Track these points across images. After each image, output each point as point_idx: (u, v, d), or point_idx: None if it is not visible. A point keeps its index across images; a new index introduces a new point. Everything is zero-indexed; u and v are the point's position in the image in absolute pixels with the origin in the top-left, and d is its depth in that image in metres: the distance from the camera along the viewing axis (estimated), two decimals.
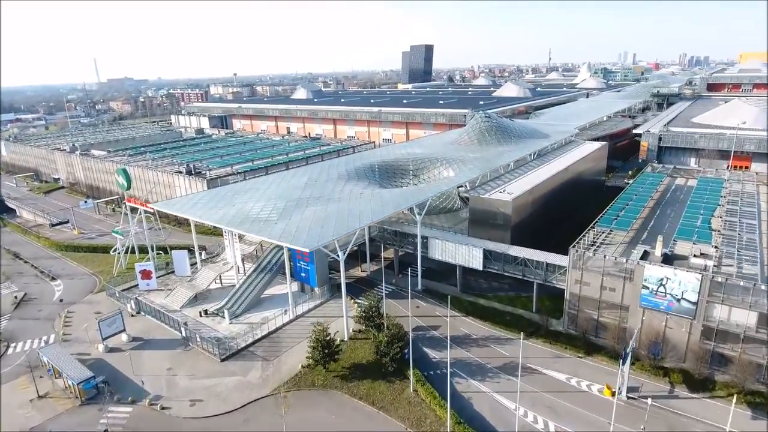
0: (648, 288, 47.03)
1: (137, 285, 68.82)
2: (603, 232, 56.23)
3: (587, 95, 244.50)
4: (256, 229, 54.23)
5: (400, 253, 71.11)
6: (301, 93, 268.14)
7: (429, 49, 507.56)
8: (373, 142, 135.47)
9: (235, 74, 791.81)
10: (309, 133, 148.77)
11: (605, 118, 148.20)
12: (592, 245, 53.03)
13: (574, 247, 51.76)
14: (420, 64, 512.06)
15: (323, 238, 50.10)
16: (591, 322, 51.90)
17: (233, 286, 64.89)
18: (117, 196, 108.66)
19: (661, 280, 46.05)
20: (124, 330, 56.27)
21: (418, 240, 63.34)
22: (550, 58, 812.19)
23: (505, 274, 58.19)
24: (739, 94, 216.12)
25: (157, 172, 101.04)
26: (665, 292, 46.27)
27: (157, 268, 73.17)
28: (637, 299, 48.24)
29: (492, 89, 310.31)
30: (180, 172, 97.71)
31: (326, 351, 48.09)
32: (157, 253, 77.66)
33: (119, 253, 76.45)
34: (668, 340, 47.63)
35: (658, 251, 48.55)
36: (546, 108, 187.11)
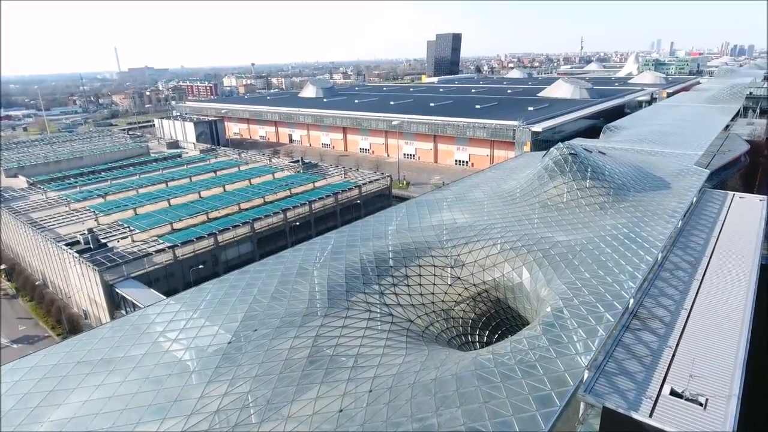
0: None
1: None
2: None
3: (652, 96, 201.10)
4: None
5: None
6: (309, 91, 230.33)
7: (456, 38, 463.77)
8: (389, 175, 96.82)
9: (252, 64, 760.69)
10: (302, 157, 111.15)
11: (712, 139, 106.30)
12: None
13: None
14: (446, 53, 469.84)
15: None
16: None
17: None
18: (4, 266, 73.08)
19: None
20: None
21: None
22: (582, 47, 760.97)
23: None
24: None
25: (47, 242, 64.40)
26: None
27: None
28: None
29: (531, 84, 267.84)
30: (76, 243, 61.08)
31: None
32: None
33: None
34: None
35: None
36: (613, 116, 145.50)
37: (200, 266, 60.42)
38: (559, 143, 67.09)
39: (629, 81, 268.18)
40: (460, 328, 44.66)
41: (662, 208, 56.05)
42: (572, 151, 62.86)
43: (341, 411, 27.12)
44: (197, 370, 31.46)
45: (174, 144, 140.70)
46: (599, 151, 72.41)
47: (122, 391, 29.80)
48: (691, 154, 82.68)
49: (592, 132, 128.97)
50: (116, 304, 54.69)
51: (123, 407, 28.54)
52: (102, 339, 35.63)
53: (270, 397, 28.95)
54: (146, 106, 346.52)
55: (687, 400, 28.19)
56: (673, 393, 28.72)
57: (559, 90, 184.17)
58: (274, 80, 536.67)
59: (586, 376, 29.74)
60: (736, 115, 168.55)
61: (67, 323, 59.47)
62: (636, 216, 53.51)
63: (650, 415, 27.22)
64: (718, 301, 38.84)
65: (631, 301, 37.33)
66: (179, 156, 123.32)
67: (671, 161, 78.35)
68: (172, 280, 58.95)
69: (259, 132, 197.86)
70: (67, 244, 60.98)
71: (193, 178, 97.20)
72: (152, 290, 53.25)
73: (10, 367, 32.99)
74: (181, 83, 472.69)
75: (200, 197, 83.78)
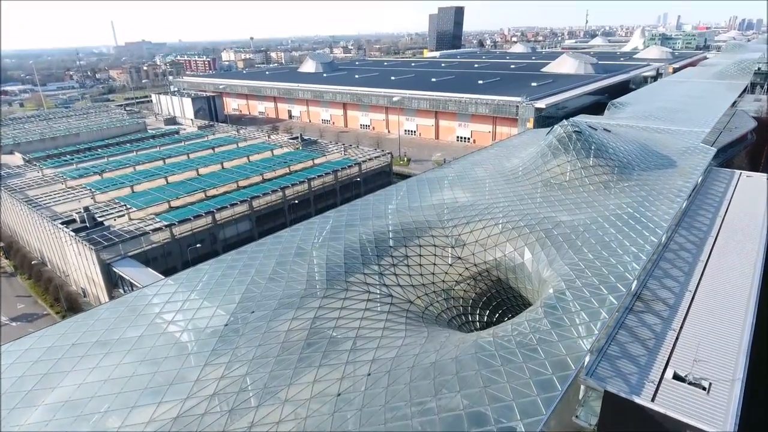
0: None
1: None
2: None
3: (658, 71, 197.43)
4: None
5: None
6: (309, 66, 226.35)
7: (459, 12, 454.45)
8: (390, 152, 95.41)
9: (251, 38, 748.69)
10: (301, 134, 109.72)
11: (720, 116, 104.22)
12: None
13: None
14: (448, 27, 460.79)
15: None
16: None
17: None
18: (2, 244, 72.65)
19: None
20: None
21: None
22: (587, 21, 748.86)
23: None
24: None
25: (44, 220, 63.66)
26: None
27: None
28: None
29: (534, 59, 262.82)
30: (72, 221, 60.39)
31: None
32: None
33: None
34: None
35: None
36: (618, 92, 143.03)
37: (198, 245, 59.86)
38: (563, 120, 65.71)
39: (635, 56, 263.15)
40: (461, 308, 44.23)
41: (667, 187, 55.03)
42: (576, 129, 61.47)
43: (339, 395, 26.74)
44: (194, 353, 31.04)
45: (172, 120, 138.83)
46: (604, 129, 71.01)
47: (118, 374, 29.44)
48: (698, 132, 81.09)
49: (597, 108, 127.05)
50: (114, 282, 54.30)
51: (118, 390, 28.21)
52: (98, 320, 35.18)
53: (267, 380, 28.57)
54: (143, 81, 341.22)
55: (690, 384, 27.77)
56: (676, 377, 28.28)
57: (564, 65, 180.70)
58: (273, 54, 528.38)
59: (588, 359, 29.29)
60: (744, 91, 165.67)
61: (66, 301, 59.24)
62: (641, 195, 52.54)
63: (652, 399, 26.83)
64: (723, 283, 38.21)
65: (635, 282, 36.70)
66: (177, 132, 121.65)
67: (677, 139, 76.91)
68: (169, 259, 58.47)
69: (258, 108, 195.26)
70: (63, 223, 60.29)
71: (191, 155, 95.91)
72: (149, 269, 52.83)
73: (4, 349, 32.62)
74: (178, 58, 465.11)
75: (198, 174, 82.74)
